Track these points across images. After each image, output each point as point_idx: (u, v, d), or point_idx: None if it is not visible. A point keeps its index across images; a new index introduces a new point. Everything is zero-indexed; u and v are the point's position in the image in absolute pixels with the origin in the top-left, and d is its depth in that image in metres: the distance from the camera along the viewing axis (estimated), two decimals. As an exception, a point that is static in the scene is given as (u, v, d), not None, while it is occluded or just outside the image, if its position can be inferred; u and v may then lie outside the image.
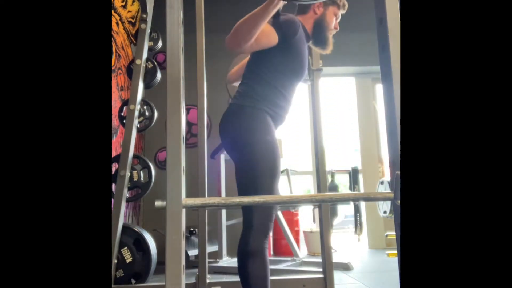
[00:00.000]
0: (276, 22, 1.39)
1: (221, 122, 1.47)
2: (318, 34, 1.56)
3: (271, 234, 1.41)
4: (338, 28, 1.60)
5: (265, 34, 1.34)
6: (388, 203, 3.12)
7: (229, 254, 3.21)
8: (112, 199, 2.18)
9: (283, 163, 3.86)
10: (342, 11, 1.61)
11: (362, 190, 3.97)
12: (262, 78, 1.43)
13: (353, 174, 3.77)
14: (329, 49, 1.59)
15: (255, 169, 1.32)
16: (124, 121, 2.31)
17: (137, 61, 2.33)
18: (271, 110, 1.42)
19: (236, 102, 1.44)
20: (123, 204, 2.13)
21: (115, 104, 2.95)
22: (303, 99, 4.11)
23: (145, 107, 2.51)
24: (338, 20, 1.60)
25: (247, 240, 1.29)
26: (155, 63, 2.54)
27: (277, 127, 1.50)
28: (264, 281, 1.28)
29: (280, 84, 1.45)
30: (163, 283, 0.67)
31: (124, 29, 3.28)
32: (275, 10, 1.24)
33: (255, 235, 1.28)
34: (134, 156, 2.29)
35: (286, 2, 1.17)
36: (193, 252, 3.00)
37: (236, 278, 1.37)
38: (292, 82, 1.50)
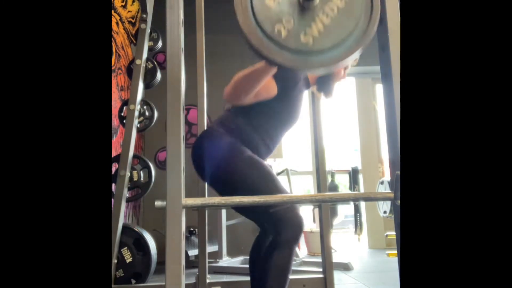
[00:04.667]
0: (278, 72, 1.30)
1: (194, 146, 1.40)
2: (323, 84, 1.52)
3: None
4: (346, 78, 1.53)
5: (265, 88, 1.28)
6: (388, 203, 3.12)
7: (229, 254, 3.21)
8: (112, 199, 2.18)
9: (283, 163, 3.86)
10: (352, 62, 1.56)
11: (362, 190, 3.97)
12: (250, 122, 1.37)
13: (353, 174, 3.76)
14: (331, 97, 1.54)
15: (250, 186, 1.27)
16: (124, 121, 2.31)
17: (137, 61, 2.33)
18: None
19: (216, 128, 1.38)
20: (123, 204, 2.13)
21: (115, 104, 2.94)
22: (303, 99, 4.10)
23: (145, 107, 2.51)
24: (347, 71, 1.53)
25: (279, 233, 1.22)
26: (155, 63, 2.54)
27: None
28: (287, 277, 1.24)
29: (265, 133, 1.40)
30: (163, 283, 0.67)
31: (124, 29, 3.28)
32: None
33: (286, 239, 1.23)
34: (134, 156, 2.28)
35: None
36: (193, 252, 3.00)
37: (236, 278, 1.36)
38: (279, 132, 1.45)
